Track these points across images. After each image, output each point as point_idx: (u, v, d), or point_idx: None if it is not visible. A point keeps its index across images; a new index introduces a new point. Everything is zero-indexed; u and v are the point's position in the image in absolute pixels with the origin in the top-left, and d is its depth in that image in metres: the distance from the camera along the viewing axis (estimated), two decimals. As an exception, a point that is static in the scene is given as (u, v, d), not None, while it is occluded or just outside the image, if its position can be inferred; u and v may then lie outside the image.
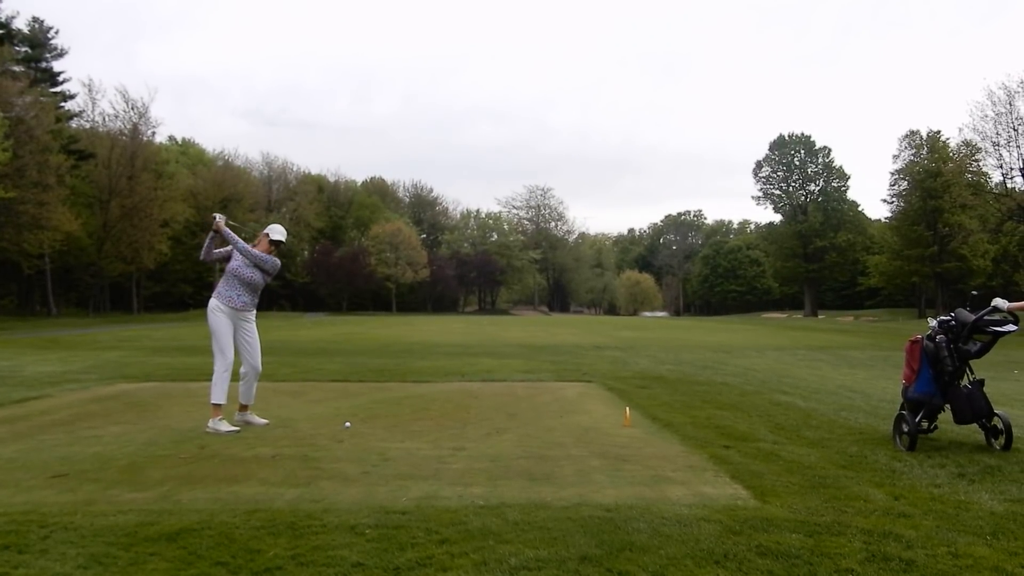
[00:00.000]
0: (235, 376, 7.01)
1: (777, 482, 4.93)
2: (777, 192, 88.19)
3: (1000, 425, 6.13)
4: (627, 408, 7.83)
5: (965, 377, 6.21)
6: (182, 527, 3.85)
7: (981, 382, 6.17)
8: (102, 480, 4.89)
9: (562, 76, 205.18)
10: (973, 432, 6.81)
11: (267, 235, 7.31)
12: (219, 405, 6.77)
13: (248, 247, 7.02)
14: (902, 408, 6.45)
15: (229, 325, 6.97)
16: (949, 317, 6.20)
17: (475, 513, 4.13)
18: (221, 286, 7.06)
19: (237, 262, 7.05)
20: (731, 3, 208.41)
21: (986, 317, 6.02)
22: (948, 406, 6.21)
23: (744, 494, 4.64)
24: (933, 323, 6.32)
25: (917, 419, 6.17)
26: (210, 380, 6.93)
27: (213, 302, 6.99)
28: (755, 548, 3.62)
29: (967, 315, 6.08)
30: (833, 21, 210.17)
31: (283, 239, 7.37)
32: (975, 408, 6.04)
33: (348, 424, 7.04)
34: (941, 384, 6.10)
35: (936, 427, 6.46)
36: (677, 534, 3.81)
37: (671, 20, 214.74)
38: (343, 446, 6.08)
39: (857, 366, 16.21)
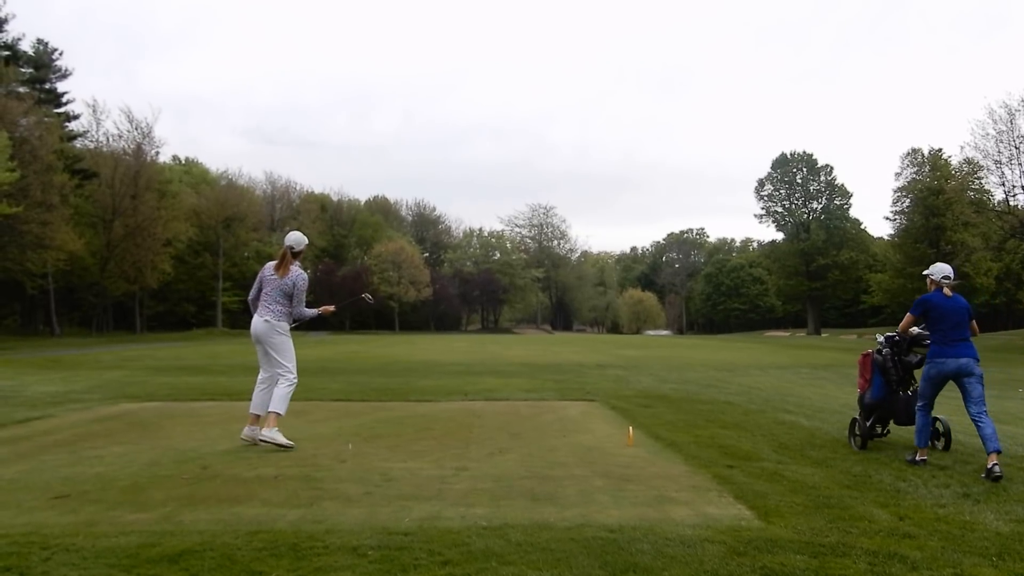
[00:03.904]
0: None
1: (781, 502, 4.91)
2: (779, 210, 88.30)
3: (941, 428, 7.02)
4: (630, 427, 7.81)
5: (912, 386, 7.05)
6: (184, 548, 3.84)
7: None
8: (104, 501, 4.88)
9: (561, 92, 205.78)
10: (978, 451, 6.82)
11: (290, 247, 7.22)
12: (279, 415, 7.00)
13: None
14: (857, 414, 7.35)
15: None
16: (894, 334, 7.05)
17: (478, 534, 4.12)
18: (284, 307, 7.11)
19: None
20: (730, 20, 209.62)
21: (924, 333, 6.74)
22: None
23: (748, 514, 4.62)
24: (881, 339, 7.21)
25: (869, 423, 7.11)
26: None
27: (284, 324, 7.13)
28: (759, 569, 3.60)
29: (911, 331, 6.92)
30: (832, 37, 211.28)
31: (292, 245, 7.25)
32: (910, 411, 6.73)
33: (351, 446, 7.02)
34: (892, 391, 7.00)
35: (888, 432, 7.40)
36: (681, 555, 3.79)
37: (670, 37, 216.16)
38: (345, 466, 6.07)
39: (861, 384, 16.14)
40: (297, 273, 7.15)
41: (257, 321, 7.10)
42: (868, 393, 7.16)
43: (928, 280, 6.65)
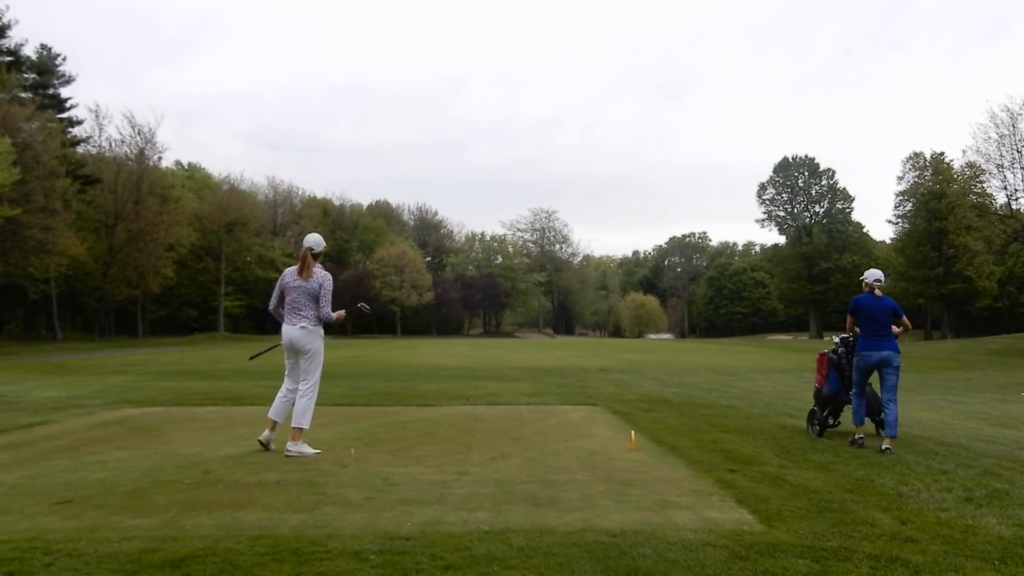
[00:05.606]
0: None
1: (783, 506, 4.91)
2: (781, 214, 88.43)
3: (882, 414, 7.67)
4: (632, 432, 7.81)
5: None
6: (186, 554, 3.84)
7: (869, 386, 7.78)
8: (106, 506, 4.89)
9: (564, 96, 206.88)
10: (981, 456, 6.84)
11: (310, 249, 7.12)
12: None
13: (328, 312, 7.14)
14: (814, 406, 8.29)
15: None
16: (848, 335, 7.85)
17: (480, 539, 4.12)
18: (315, 311, 7.05)
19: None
20: (734, 25, 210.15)
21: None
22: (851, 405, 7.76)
23: (750, 519, 4.62)
24: (836, 339, 8.07)
25: (825, 414, 8.02)
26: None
27: (320, 329, 7.09)
28: (761, 573, 3.60)
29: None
30: (835, 42, 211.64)
31: (311, 247, 7.14)
32: (871, 406, 7.63)
33: (352, 450, 7.03)
34: (845, 385, 7.83)
35: (839, 423, 8.21)
36: (683, 559, 3.79)
37: (673, 42, 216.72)
38: (347, 471, 6.07)
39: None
40: (322, 274, 7.09)
41: (291, 329, 7.00)
42: (824, 387, 8.05)
43: (863, 284, 7.64)
